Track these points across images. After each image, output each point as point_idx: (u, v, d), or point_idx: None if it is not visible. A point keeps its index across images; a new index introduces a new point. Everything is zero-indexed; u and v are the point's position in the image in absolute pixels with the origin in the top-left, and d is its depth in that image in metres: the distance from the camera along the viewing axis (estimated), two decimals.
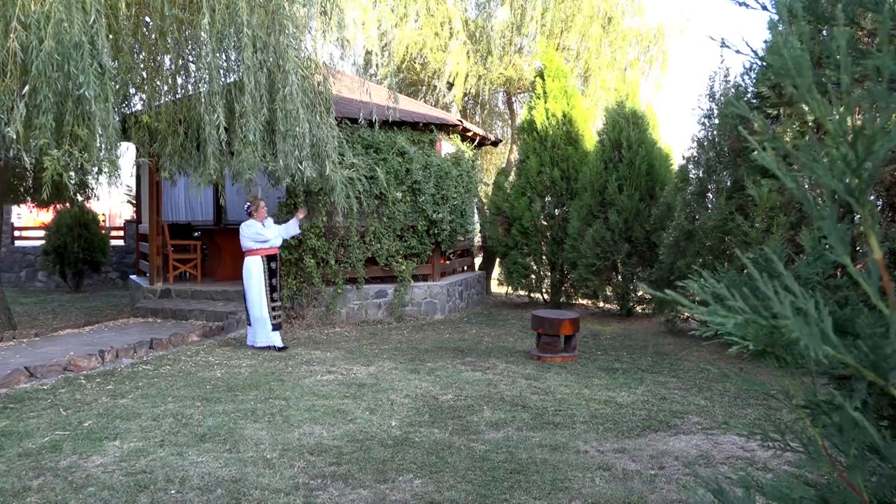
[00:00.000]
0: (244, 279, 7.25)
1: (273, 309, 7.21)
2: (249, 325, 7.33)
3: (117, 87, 5.75)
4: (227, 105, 6.35)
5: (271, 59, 6.25)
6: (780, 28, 0.93)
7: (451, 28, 13.83)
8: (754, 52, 0.99)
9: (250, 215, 7.26)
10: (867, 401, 1.10)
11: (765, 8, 1.13)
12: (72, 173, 5.44)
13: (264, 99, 6.26)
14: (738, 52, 1.08)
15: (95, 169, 5.87)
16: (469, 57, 13.96)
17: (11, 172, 8.38)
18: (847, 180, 0.86)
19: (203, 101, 5.97)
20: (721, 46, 1.23)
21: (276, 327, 7.22)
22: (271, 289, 7.24)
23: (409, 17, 13.37)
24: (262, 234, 7.20)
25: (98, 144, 5.43)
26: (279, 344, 7.19)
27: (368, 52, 13.36)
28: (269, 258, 7.28)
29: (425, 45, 13.62)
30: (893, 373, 0.86)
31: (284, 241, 8.79)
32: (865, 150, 0.83)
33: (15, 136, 4.99)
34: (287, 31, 6.24)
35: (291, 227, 7.62)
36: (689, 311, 0.94)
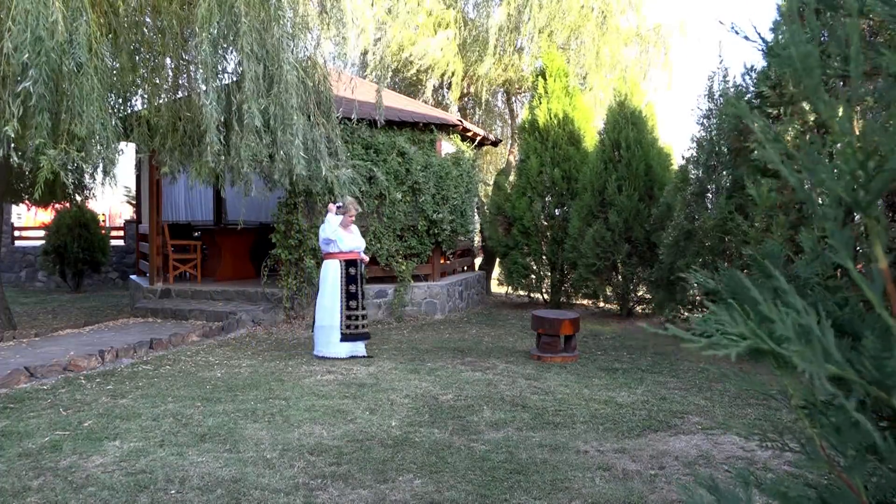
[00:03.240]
0: (319, 283, 6.90)
1: (349, 318, 6.73)
2: (313, 331, 6.97)
3: (112, 85, 5.74)
4: (227, 99, 6.34)
5: (268, 50, 6.25)
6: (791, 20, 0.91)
7: (447, 28, 13.83)
8: (763, 39, 0.98)
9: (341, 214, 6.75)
10: (865, 401, 1.09)
11: None
12: (63, 173, 5.41)
13: (262, 90, 6.21)
14: (746, 38, 1.07)
15: (98, 168, 5.86)
16: (466, 56, 13.95)
17: (10, 172, 8.37)
18: (854, 189, 0.83)
19: (206, 95, 5.95)
20: (730, 31, 1.22)
21: (354, 337, 6.75)
22: (349, 296, 6.76)
23: (407, 17, 13.36)
24: (326, 235, 6.67)
25: (96, 142, 5.41)
26: (362, 353, 6.80)
27: (365, 52, 13.36)
28: (349, 263, 6.79)
29: (420, 43, 13.60)
30: None
31: (286, 240, 8.80)
32: (877, 167, 0.80)
33: (13, 135, 4.98)
34: (281, 22, 6.24)
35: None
36: (690, 346, 0.92)
